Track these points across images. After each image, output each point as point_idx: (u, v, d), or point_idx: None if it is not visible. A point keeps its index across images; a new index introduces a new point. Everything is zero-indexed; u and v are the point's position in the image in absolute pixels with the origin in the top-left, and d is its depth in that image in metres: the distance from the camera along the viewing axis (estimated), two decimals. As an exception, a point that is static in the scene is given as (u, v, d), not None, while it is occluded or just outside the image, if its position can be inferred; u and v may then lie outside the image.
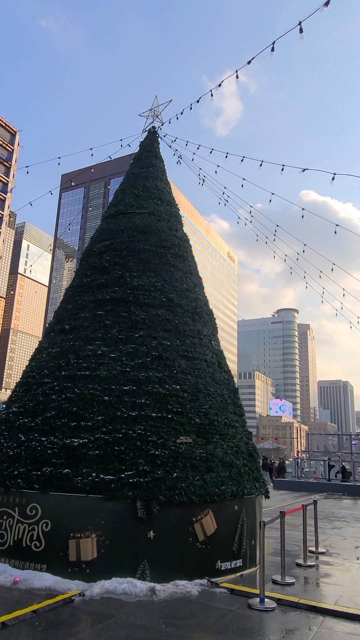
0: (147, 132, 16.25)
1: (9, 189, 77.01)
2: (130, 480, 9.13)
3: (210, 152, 15.36)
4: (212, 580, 9.28)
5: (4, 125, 74.32)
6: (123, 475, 9.18)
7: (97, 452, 9.45)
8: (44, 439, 9.87)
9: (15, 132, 79.77)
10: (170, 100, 15.04)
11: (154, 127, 16.40)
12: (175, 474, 9.42)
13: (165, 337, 11.41)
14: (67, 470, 9.29)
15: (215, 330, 13.22)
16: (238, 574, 9.85)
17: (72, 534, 8.86)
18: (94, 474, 9.18)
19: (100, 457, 9.41)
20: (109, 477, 9.17)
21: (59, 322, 12.34)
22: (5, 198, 75.13)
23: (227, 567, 9.71)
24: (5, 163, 77.75)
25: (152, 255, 12.73)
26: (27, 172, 15.88)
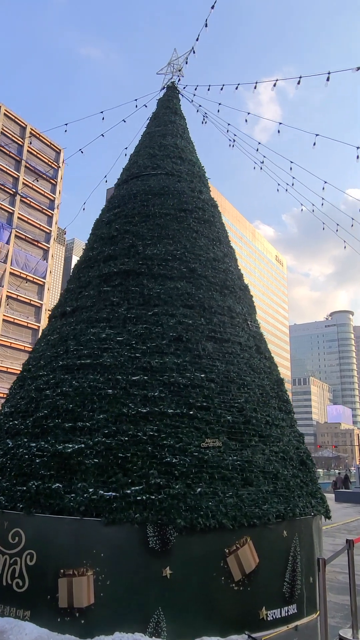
0: (165, 88, 14.13)
1: (55, 205, 77.74)
2: (139, 498, 6.82)
3: (246, 120, 12.92)
4: (255, 635, 6.74)
5: (50, 144, 75.07)
6: (129, 491, 6.89)
7: (96, 460, 7.23)
8: (34, 444, 7.78)
9: (60, 150, 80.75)
10: (192, 50, 12.88)
11: (173, 82, 14.27)
12: (199, 489, 7.03)
13: (186, 314, 9.08)
14: (57, 484, 7.13)
15: (252, 310, 10.74)
16: (291, 626, 7.25)
17: (62, 571, 6.67)
18: (91, 490, 6.95)
19: (100, 467, 7.18)
20: (110, 493, 6.91)
21: (61, 304, 10.33)
22: (52, 214, 75.81)
23: (275, 617, 7.14)
24: (51, 180, 78.60)
25: (170, 219, 10.49)
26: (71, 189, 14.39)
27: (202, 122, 14.34)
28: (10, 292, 59.75)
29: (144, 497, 6.86)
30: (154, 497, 6.87)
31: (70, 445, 7.45)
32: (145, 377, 8.12)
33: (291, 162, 13.09)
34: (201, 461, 7.37)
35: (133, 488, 6.96)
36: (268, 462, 8.02)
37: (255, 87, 10.35)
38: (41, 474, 7.31)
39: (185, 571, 6.63)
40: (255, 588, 6.99)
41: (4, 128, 63.13)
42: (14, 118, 65.49)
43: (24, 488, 7.28)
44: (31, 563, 6.85)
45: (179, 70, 13.63)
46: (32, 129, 67.74)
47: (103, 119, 14.46)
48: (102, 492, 6.94)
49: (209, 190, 12.08)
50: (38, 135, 67.74)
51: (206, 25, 11.63)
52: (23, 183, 64.48)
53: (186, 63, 12.87)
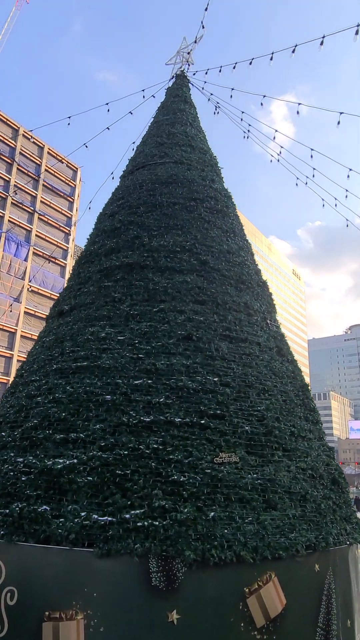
0: (174, 77, 13.27)
1: (72, 223, 78.33)
2: (139, 524, 5.67)
3: (262, 104, 11.96)
4: None
5: (67, 164, 75.70)
6: (128, 516, 5.74)
7: (89, 478, 6.11)
8: (20, 459, 6.69)
9: (77, 169, 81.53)
10: (202, 36, 12.03)
11: (182, 71, 13.40)
12: (212, 514, 5.83)
13: (196, 310, 7.98)
14: (44, 507, 6.01)
15: (271, 308, 9.58)
16: None
17: (47, 613, 5.53)
18: (83, 514, 5.82)
19: (95, 487, 6.05)
20: (105, 518, 5.77)
21: (58, 303, 9.33)
22: (69, 232, 76.24)
23: (307, 672, 5.82)
24: (68, 198, 79.29)
25: (179, 209, 9.47)
26: (89, 208, 13.89)
27: (215, 113, 13.45)
28: (28, 309, 59.62)
29: (145, 523, 5.68)
30: (157, 523, 5.69)
31: (60, 461, 6.34)
32: (150, 381, 7.00)
33: (312, 149, 12.02)
34: (214, 480, 6.17)
35: (133, 512, 5.80)
36: (294, 480, 6.76)
37: (271, 58, 9.39)
38: (27, 494, 6.20)
39: (196, 615, 5.40)
40: (282, 636, 5.69)
41: (23, 148, 63.77)
42: (31, 138, 66.24)
43: (7, 511, 6.17)
44: (11, 602, 5.70)
45: (188, 53, 12.73)
46: (49, 149, 68.33)
47: (108, 110, 13.74)
48: (96, 516, 5.79)
49: (222, 180, 11.07)
50: (55, 155, 68.36)
51: (203, 27, 10.79)
52: (41, 201, 64.87)
53: (195, 42, 11.98)
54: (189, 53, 13.00)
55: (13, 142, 63.26)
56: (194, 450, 6.39)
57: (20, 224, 62.21)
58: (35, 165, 66.18)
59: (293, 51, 9.25)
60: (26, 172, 63.55)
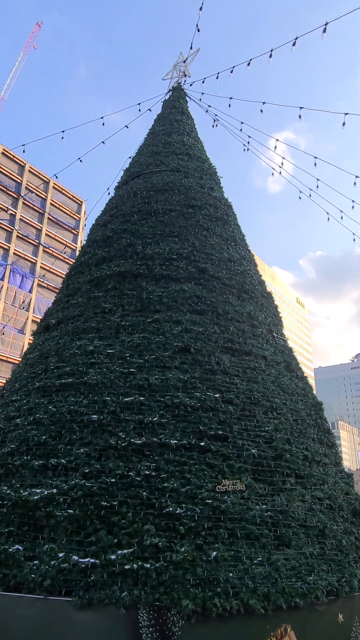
0: (171, 91, 12.91)
1: (77, 254, 78.53)
2: (127, 567, 4.73)
3: (261, 111, 11.48)
4: None
5: (72, 197, 76.77)
6: (113, 557, 4.81)
7: (70, 511, 5.20)
8: (-6, 490, 5.76)
9: (82, 202, 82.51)
10: (199, 49, 11.76)
11: (179, 83, 13.06)
12: (214, 553, 4.89)
13: (194, 320, 7.20)
14: (16, 546, 5.08)
15: (277, 320, 8.78)
16: None
17: None
18: (61, 555, 4.89)
19: (76, 521, 5.15)
20: (87, 560, 4.85)
21: (45, 318, 8.57)
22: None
23: None
24: (73, 231, 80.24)
25: (176, 216, 8.83)
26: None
27: (213, 126, 13.02)
28: (32, 340, 58.99)
29: (134, 566, 4.74)
30: (149, 565, 4.75)
31: (38, 491, 5.44)
32: (142, 398, 6.16)
33: (315, 157, 11.52)
34: (217, 512, 5.25)
35: (120, 552, 4.86)
36: (310, 512, 5.80)
37: (270, 56, 8.91)
38: (-3, 531, 5.28)
39: None
40: None
41: (29, 183, 64.63)
42: (37, 174, 67.30)
43: (-26, 552, 5.23)
44: (-26, 666, 4.70)
45: (184, 62, 12.38)
46: (55, 184, 69.27)
47: (103, 124, 13.36)
48: (76, 557, 4.86)
49: (222, 189, 10.48)
50: (61, 189, 69.27)
51: (198, 30, 10.48)
52: (46, 234, 65.32)
53: (202, 82, 11.61)
54: (184, 62, 12.68)
55: (19, 177, 64.25)
56: (192, 477, 5.48)
57: (26, 257, 62.49)
58: (40, 199, 67.01)
59: (293, 44, 8.80)
60: (32, 206, 64.27)
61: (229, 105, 11.64)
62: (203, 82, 11.91)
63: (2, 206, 61.35)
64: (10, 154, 64.24)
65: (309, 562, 5.31)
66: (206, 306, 7.49)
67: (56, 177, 13.38)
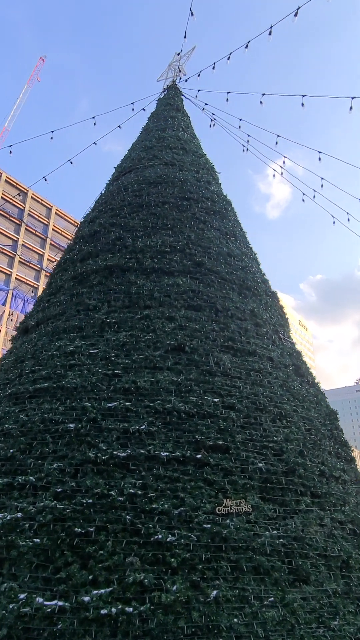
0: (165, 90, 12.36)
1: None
2: (104, 612, 3.75)
3: (261, 102, 10.81)
4: None
5: (73, 222, 76.57)
6: (87, 599, 3.84)
7: (36, 540, 4.25)
8: None
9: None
10: (194, 47, 11.27)
11: (174, 82, 12.51)
12: (214, 592, 3.91)
13: (190, 317, 6.32)
14: (-33, 586, 4.06)
15: (284, 321, 7.89)
16: None
17: None
18: (22, 596, 3.93)
19: (43, 553, 4.18)
20: (54, 602, 3.86)
21: (25, 320, 7.70)
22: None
23: None
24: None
25: (170, 208, 8.06)
26: None
27: (210, 126, 12.45)
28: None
29: (113, 611, 3.74)
30: (131, 609, 3.75)
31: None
32: (128, 403, 5.23)
33: (319, 152, 10.85)
34: (217, 539, 4.26)
35: (96, 592, 3.86)
36: (331, 539, 4.78)
37: (270, 33, 8.28)
38: None
39: None
40: None
41: (31, 210, 64.77)
42: (39, 200, 67.65)
43: None
44: None
45: (180, 72, 11.86)
46: (57, 210, 69.37)
47: (95, 124, 12.80)
48: (40, 599, 3.86)
49: (220, 185, 9.75)
50: (62, 215, 69.34)
51: (192, 14, 9.97)
52: (48, 259, 65.07)
53: (198, 76, 11.03)
54: (180, 70, 12.18)
55: (22, 203, 64.56)
56: (186, 496, 4.50)
57: (27, 281, 62.18)
58: (42, 225, 67.10)
59: (295, 14, 8.18)
60: (34, 232, 64.34)
61: (227, 99, 11.10)
62: (199, 75, 11.37)
63: (5, 232, 61.46)
64: (13, 181, 64.77)
65: (333, 602, 4.28)
66: (203, 302, 6.62)
67: (46, 179, 12.74)
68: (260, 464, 5.01)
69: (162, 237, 7.38)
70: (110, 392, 5.38)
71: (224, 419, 5.25)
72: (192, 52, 12.31)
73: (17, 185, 65.51)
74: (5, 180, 64.25)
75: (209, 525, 4.35)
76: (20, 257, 64.91)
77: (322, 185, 12.02)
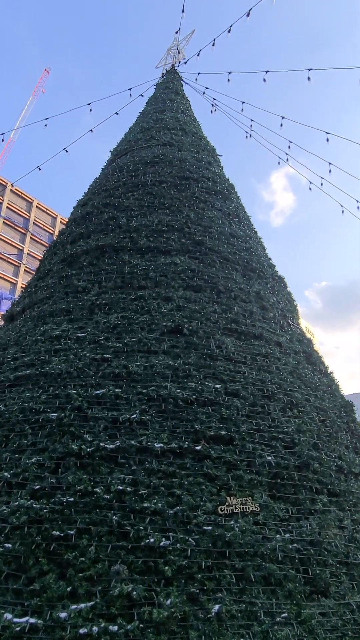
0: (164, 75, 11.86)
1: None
2: (83, 631, 3.11)
3: (264, 80, 10.30)
4: None
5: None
6: (64, 615, 3.21)
7: (7, 545, 3.69)
8: None
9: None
10: (194, 31, 10.81)
11: (173, 66, 12.02)
12: (215, 607, 3.26)
13: (189, 297, 5.73)
14: None
15: (292, 307, 7.27)
16: None
17: None
18: None
19: (15, 560, 3.60)
20: (25, 619, 3.24)
21: (11, 307, 7.13)
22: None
23: None
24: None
25: (168, 187, 7.51)
26: None
27: (211, 112, 11.93)
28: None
29: (95, 629, 3.11)
30: (116, 628, 3.12)
31: (-35, 518, 3.84)
32: (118, 390, 4.62)
33: (327, 133, 10.31)
34: (219, 543, 3.62)
35: (74, 607, 3.24)
36: (352, 544, 4.13)
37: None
38: None
39: None
40: None
41: (36, 219, 64.31)
42: (45, 210, 67.43)
43: None
44: None
45: (178, 55, 11.38)
46: (62, 219, 68.58)
47: (90, 110, 12.32)
48: (9, 616, 3.24)
49: (222, 167, 9.18)
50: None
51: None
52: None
53: (197, 55, 10.51)
54: (180, 51, 11.71)
55: (27, 213, 64.32)
56: (184, 493, 3.87)
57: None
58: (48, 234, 66.77)
59: None
60: (39, 240, 64.02)
61: (228, 80, 10.58)
62: (198, 55, 10.84)
63: (10, 241, 61.29)
64: (19, 192, 64.76)
65: (357, 618, 3.61)
66: (203, 282, 6.02)
67: (40, 169, 12.23)
68: (269, 457, 4.37)
69: (158, 216, 6.81)
70: (98, 378, 4.77)
71: (226, 406, 4.62)
72: (191, 35, 11.85)
73: (23, 195, 65.46)
74: (11, 191, 64.28)
75: (209, 527, 3.71)
76: (25, 266, 64.66)
77: (330, 171, 11.47)
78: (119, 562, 3.46)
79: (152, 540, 3.57)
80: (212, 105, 11.80)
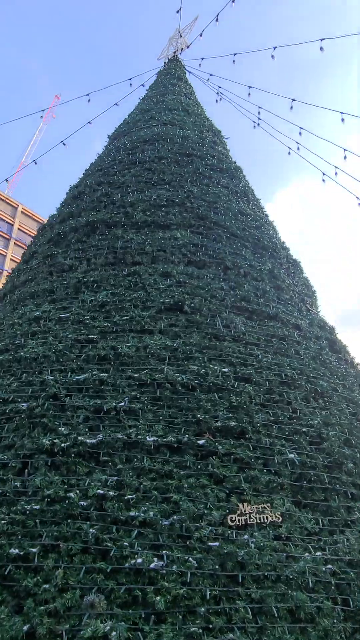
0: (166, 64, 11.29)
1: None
2: None
3: (272, 56, 9.56)
4: None
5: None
6: None
7: None
8: None
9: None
10: (197, 17, 10.26)
11: (175, 54, 11.46)
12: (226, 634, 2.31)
13: (191, 273, 4.94)
14: None
15: (311, 292, 6.42)
16: None
17: None
18: None
19: None
20: None
21: (-6, 295, 6.37)
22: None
23: None
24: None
25: (168, 163, 6.82)
26: None
27: (216, 101, 11.30)
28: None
29: None
30: None
31: None
32: (103, 375, 3.80)
33: (341, 113, 9.58)
34: (229, 564, 2.73)
35: (31, 653, 2.35)
36: None
37: None
38: None
39: None
40: None
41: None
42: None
43: None
44: None
45: (180, 30, 10.82)
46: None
47: (89, 100, 11.75)
48: None
49: (228, 150, 8.46)
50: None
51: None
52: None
53: (200, 36, 9.99)
54: (180, 34, 11.18)
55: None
56: (182, 498, 3.00)
57: None
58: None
59: None
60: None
61: (233, 61, 9.95)
62: (201, 35, 10.31)
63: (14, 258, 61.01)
64: (30, 213, 64.93)
65: None
66: (208, 257, 5.22)
67: (36, 163, 11.68)
68: (292, 455, 3.48)
69: (156, 192, 6.07)
70: (81, 362, 3.96)
71: (237, 393, 3.76)
72: (194, 22, 11.35)
73: (34, 217, 65.46)
74: (22, 212, 64.33)
75: (216, 544, 2.82)
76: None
77: (345, 157, 10.67)
78: (94, 591, 2.58)
79: (139, 560, 2.69)
80: (217, 93, 11.20)
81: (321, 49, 8.15)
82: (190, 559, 2.75)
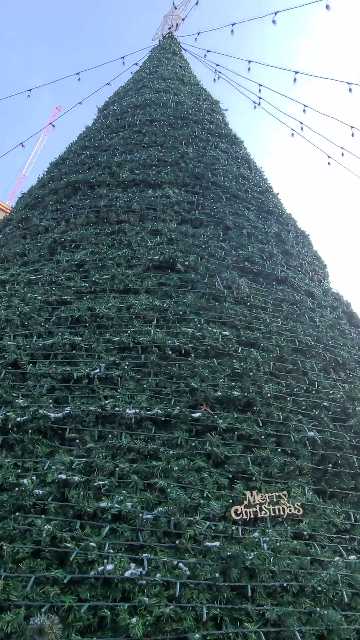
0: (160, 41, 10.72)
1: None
2: None
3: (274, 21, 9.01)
4: None
5: None
6: None
7: None
8: None
9: None
10: (197, 2, 9.62)
11: (170, 32, 10.87)
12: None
13: (185, 232, 4.27)
14: None
15: (322, 266, 5.71)
16: None
17: None
18: None
19: None
20: None
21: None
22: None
23: None
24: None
25: (161, 125, 6.19)
26: None
27: (214, 80, 10.69)
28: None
29: None
30: None
31: None
32: (77, 338, 3.10)
33: (349, 84, 8.94)
34: (234, 571, 1.98)
35: None
36: None
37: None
38: None
39: None
40: None
41: None
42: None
43: None
44: None
45: (175, 7, 10.22)
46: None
47: (79, 79, 11.15)
48: None
49: (228, 124, 7.81)
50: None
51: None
52: None
53: (197, 4, 9.36)
54: (175, 7, 10.62)
55: None
56: (171, 485, 2.28)
57: None
58: None
59: None
60: None
61: (232, 31, 9.32)
62: (197, 3, 9.69)
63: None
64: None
65: None
66: (205, 216, 4.55)
67: (23, 146, 10.98)
68: (311, 433, 2.76)
69: (147, 152, 5.41)
70: (50, 325, 3.26)
71: (241, 359, 3.06)
72: (193, 4, 10.74)
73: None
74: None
75: (216, 544, 2.10)
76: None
77: (352, 135, 10.02)
78: (44, 610, 1.85)
79: (110, 567, 1.96)
80: (215, 71, 10.60)
81: (327, 7, 7.52)
82: (180, 564, 2.02)
